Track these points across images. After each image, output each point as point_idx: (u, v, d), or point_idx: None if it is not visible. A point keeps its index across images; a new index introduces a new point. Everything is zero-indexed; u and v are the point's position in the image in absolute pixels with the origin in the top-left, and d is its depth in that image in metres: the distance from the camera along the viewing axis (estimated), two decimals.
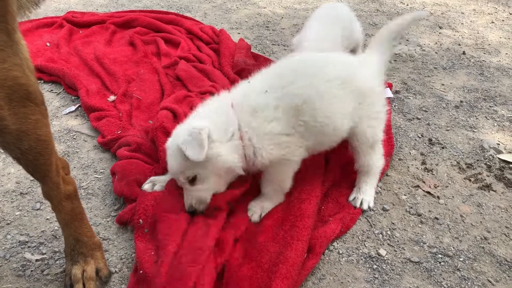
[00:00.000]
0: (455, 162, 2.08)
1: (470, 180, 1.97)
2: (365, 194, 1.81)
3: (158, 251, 1.50)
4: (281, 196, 1.74)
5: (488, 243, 1.67)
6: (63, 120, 2.34)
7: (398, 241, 1.67)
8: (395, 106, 2.48)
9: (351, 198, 1.82)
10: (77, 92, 2.47)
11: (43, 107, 1.23)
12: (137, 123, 2.22)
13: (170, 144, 1.64)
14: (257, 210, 1.70)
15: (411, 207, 1.82)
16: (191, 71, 2.62)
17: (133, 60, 2.82)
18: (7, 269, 1.54)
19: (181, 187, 1.67)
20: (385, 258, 1.60)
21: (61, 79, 2.62)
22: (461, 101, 2.54)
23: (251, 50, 2.95)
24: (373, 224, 1.74)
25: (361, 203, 1.79)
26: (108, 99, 2.42)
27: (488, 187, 1.93)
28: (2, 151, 2.04)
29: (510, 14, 3.82)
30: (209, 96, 2.34)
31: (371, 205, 1.80)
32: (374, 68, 1.81)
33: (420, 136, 2.24)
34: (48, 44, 2.99)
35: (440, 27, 3.52)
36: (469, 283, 1.51)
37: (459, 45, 3.22)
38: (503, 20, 3.68)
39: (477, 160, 2.09)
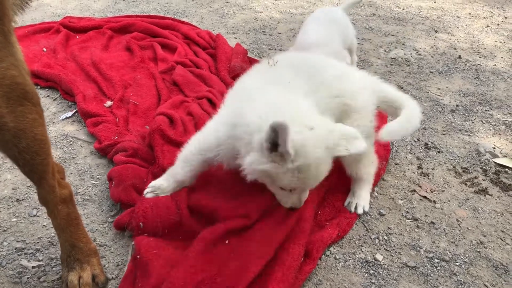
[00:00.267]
0: (451, 166, 2.08)
1: (466, 184, 1.98)
2: (359, 199, 1.81)
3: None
4: None
5: (484, 248, 1.67)
6: (60, 126, 2.34)
7: (394, 246, 1.67)
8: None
9: (346, 202, 1.83)
10: (74, 97, 2.46)
11: (39, 108, 1.25)
12: (134, 128, 2.22)
13: (320, 154, 1.41)
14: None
15: (408, 212, 1.82)
16: (188, 76, 2.63)
17: (130, 65, 2.82)
18: (3, 276, 1.53)
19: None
20: (382, 263, 1.60)
21: (58, 85, 2.62)
22: (457, 105, 2.56)
23: (248, 55, 2.96)
24: (370, 229, 1.74)
25: (356, 208, 1.79)
26: (105, 104, 2.42)
27: (484, 191, 1.94)
28: None
29: (506, 18, 3.84)
30: (206, 101, 2.37)
31: (366, 209, 1.80)
32: (372, 86, 1.80)
33: (416, 141, 2.25)
34: (44, 49, 2.99)
35: (436, 31, 3.54)
36: None
37: (455, 49, 3.24)
38: (498, 24, 3.70)
39: (473, 164, 2.10)
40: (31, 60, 2.83)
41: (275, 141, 1.32)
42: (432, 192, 1.93)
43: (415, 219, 1.79)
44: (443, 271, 1.57)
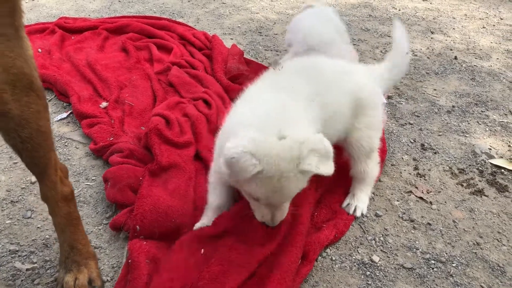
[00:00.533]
0: (447, 167, 2.08)
1: (462, 185, 1.98)
2: (359, 201, 1.81)
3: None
4: None
5: (481, 249, 1.67)
6: (55, 127, 2.32)
7: (391, 247, 1.67)
8: (387, 111, 2.48)
9: (344, 204, 1.82)
10: (69, 98, 2.45)
11: (45, 101, 1.29)
12: (129, 129, 2.21)
13: (284, 167, 1.30)
14: None
15: (404, 213, 1.82)
16: (183, 77, 2.62)
17: (126, 66, 2.80)
18: None
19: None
20: (378, 265, 1.60)
21: (53, 86, 2.61)
22: (453, 106, 2.56)
23: (244, 56, 2.95)
24: (366, 230, 1.74)
25: (355, 210, 1.79)
26: (100, 105, 2.40)
27: (480, 192, 1.94)
28: None
29: (501, 19, 3.85)
30: (202, 102, 2.36)
31: (365, 212, 1.80)
32: (378, 79, 1.82)
33: (413, 141, 2.25)
34: (39, 50, 2.97)
35: (432, 32, 3.54)
36: None
37: (451, 50, 3.25)
38: (494, 25, 3.71)
39: (469, 165, 2.10)
40: None
41: None
42: (428, 193, 1.93)
43: (412, 220, 1.78)
44: (439, 273, 1.57)
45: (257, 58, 3.05)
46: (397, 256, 1.63)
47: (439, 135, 2.30)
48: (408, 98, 2.63)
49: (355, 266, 1.59)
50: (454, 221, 1.79)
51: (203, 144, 2.07)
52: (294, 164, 1.29)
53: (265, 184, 1.31)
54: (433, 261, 1.61)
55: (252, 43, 3.27)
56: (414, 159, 2.12)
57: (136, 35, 3.16)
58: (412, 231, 1.74)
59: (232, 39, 3.34)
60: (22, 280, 1.52)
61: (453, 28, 3.63)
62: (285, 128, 1.32)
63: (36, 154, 1.30)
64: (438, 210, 1.84)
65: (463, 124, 2.40)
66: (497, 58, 3.14)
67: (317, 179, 1.89)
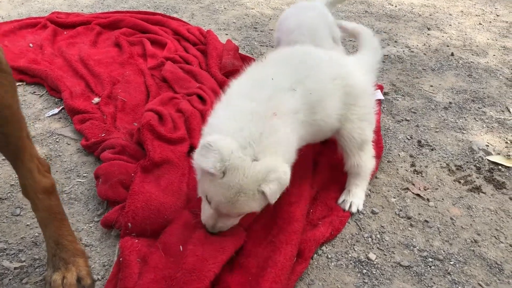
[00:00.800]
0: (444, 164, 2.06)
1: (459, 182, 1.95)
2: (355, 197, 1.78)
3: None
4: None
5: (478, 246, 1.65)
6: (46, 123, 2.28)
7: (387, 245, 1.64)
8: (384, 107, 2.46)
9: (340, 200, 1.79)
10: (61, 94, 2.41)
11: (11, 78, 1.27)
12: (122, 125, 2.17)
13: (247, 185, 1.37)
14: None
15: (401, 210, 1.79)
16: (177, 72, 2.58)
17: (119, 61, 2.76)
18: None
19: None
20: (375, 263, 1.57)
21: (44, 81, 2.56)
22: (450, 103, 2.53)
23: (239, 51, 2.91)
24: (362, 228, 1.71)
25: (350, 206, 1.76)
26: (93, 101, 2.36)
27: (477, 189, 1.92)
28: None
29: (497, 15, 3.83)
30: (196, 98, 2.32)
31: (360, 208, 1.77)
32: (366, 69, 1.79)
33: (409, 138, 2.22)
34: (31, 45, 2.92)
35: (429, 29, 3.52)
36: (459, 287, 1.49)
37: (448, 46, 3.22)
38: (490, 22, 3.69)
39: (467, 162, 2.07)
40: (17, 56, 2.76)
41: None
42: (425, 190, 1.90)
43: (409, 218, 1.76)
44: (437, 270, 1.54)
45: (252, 54, 3.01)
46: (394, 253, 1.61)
47: (436, 132, 2.28)
48: (404, 94, 2.60)
49: (351, 264, 1.56)
50: (451, 218, 1.76)
51: (198, 140, 2.03)
52: (256, 184, 1.37)
53: (222, 190, 1.37)
54: (430, 259, 1.59)
55: (247, 39, 3.24)
56: (411, 156, 2.10)
57: (129, 30, 3.12)
58: (409, 229, 1.71)
59: (227, 34, 3.30)
60: (10, 279, 1.48)
61: (450, 25, 3.61)
62: (261, 152, 1.39)
63: (7, 133, 1.27)
64: (435, 207, 1.82)
65: (460, 120, 2.38)
66: (494, 55, 3.12)
67: (312, 176, 1.87)
